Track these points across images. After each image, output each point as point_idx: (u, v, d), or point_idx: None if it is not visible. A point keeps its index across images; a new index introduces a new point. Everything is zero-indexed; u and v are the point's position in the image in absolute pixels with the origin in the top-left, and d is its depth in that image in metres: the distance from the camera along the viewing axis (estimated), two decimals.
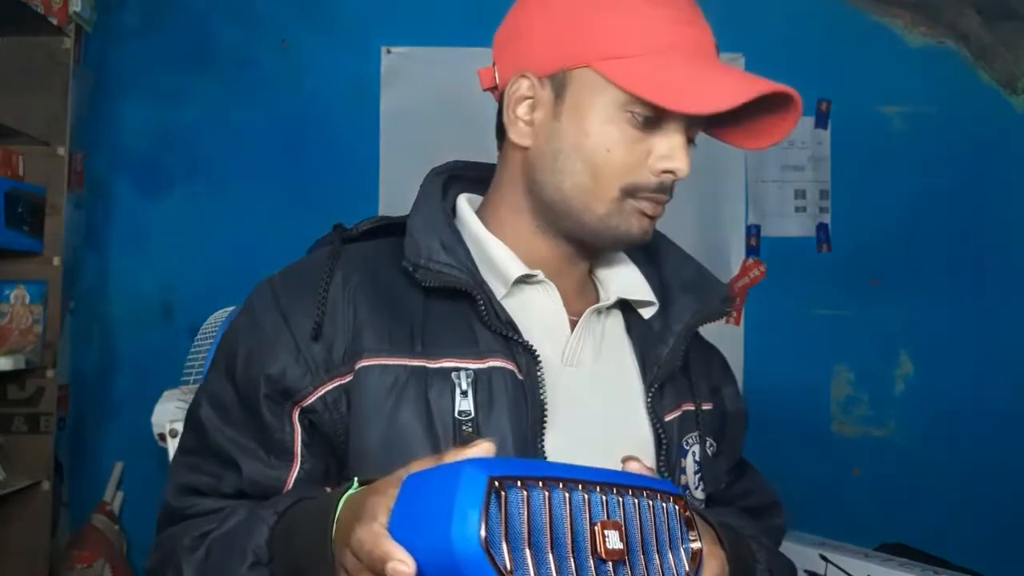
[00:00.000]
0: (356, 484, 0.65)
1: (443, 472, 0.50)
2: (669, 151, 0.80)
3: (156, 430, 1.43)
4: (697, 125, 0.83)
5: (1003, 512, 2.59)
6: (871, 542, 1.83)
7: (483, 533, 0.46)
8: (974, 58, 2.71)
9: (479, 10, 2.45)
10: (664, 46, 0.78)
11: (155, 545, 0.81)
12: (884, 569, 1.42)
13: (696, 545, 0.60)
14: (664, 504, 0.58)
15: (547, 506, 0.50)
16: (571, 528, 0.51)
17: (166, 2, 2.66)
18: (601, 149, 0.79)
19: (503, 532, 0.47)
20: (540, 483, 0.50)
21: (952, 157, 2.70)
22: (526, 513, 0.49)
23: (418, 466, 0.57)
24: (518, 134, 0.84)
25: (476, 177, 0.94)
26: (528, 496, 0.49)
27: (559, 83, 0.81)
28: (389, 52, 2.67)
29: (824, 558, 1.48)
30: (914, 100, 2.71)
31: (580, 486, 0.52)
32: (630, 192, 0.81)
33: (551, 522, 0.50)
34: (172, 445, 1.37)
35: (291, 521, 0.68)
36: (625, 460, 0.65)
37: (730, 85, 0.76)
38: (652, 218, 0.83)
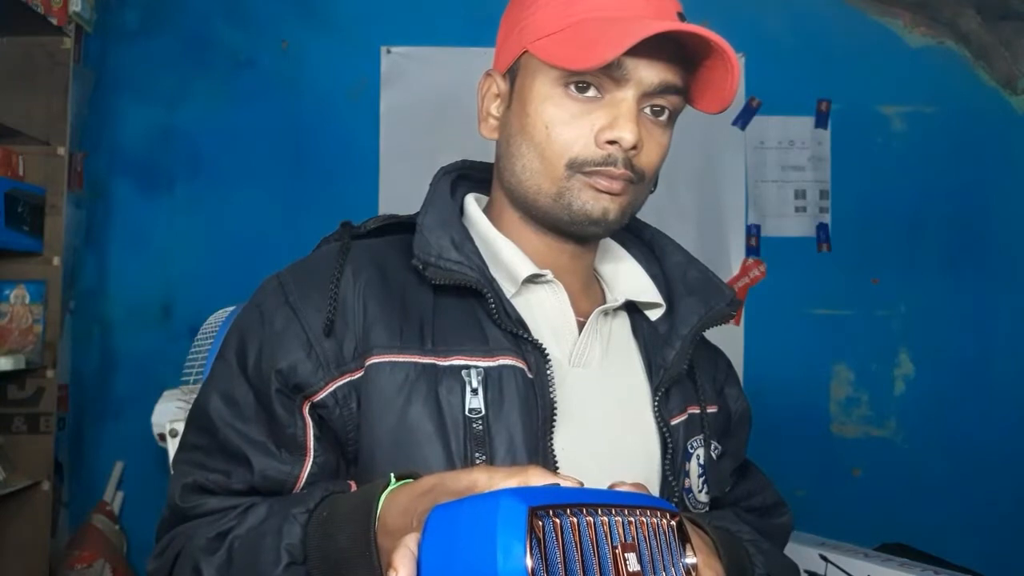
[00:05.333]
0: (394, 480, 0.65)
1: (478, 504, 0.50)
2: (611, 121, 0.77)
3: (156, 430, 1.43)
4: (652, 95, 0.79)
5: (1003, 512, 2.59)
6: (871, 542, 1.83)
7: (529, 564, 0.47)
8: (974, 58, 2.72)
9: (479, 10, 2.45)
10: (588, 17, 0.78)
11: (160, 548, 0.80)
12: (884, 569, 1.42)
13: (692, 560, 0.61)
14: (662, 521, 0.59)
15: (576, 533, 0.51)
16: (597, 554, 0.51)
17: (166, 2, 2.66)
18: (540, 127, 0.80)
19: (543, 563, 0.48)
20: (567, 511, 0.51)
21: (952, 157, 2.70)
22: (561, 542, 0.50)
23: (442, 495, 0.57)
24: (487, 129, 0.88)
25: (482, 178, 0.95)
26: (560, 524, 0.50)
27: (513, 74, 0.84)
28: (389, 52, 2.67)
29: (824, 558, 1.49)
30: (914, 100, 2.71)
31: (599, 510, 0.53)
32: (576, 167, 0.79)
33: (581, 549, 0.51)
34: (172, 445, 1.37)
35: (327, 519, 0.67)
36: (613, 485, 0.64)
37: (627, 35, 0.72)
38: (610, 195, 0.80)
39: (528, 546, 0.47)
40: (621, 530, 0.54)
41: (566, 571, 0.49)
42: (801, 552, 1.48)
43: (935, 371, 2.68)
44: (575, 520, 0.51)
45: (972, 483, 2.62)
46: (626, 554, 0.53)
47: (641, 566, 0.54)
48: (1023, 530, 2.57)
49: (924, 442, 2.67)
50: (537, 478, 0.56)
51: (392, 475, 0.65)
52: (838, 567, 1.47)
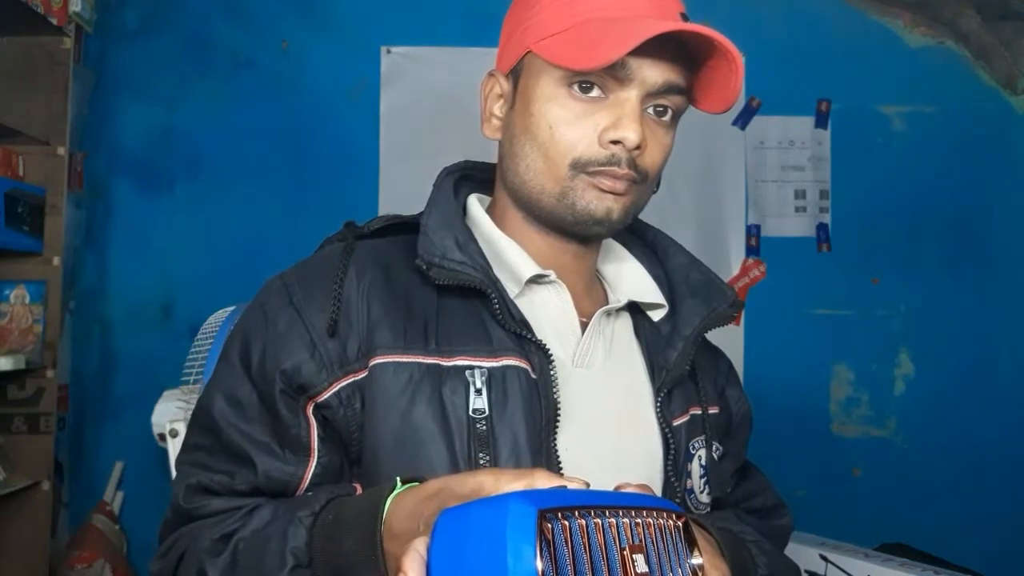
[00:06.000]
0: (400, 484, 0.65)
1: (487, 507, 0.50)
2: (615, 121, 0.77)
3: (156, 430, 1.43)
4: (656, 95, 0.79)
5: (1003, 512, 2.59)
6: (871, 542, 1.83)
7: (540, 566, 0.47)
8: (974, 58, 2.72)
9: (479, 10, 2.45)
10: (591, 17, 0.78)
11: (163, 549, 0.79)
12: (884, 569, 1.41)
13: (697, 561, 0.61)
14: (668, 522, 0.59)
15: (585, 535, 0.51)
16: (606, 556, 0.52)
17: (166, 2, 2.66)
18: (544, 127, 0.80)
19: (553, 565, 0.48)
20: (576, 513, 0.51)
21: (952, 157, 2.70)
22: (570, 545, 0.50)
23: (448, 498, 0.57)
24: (490, 129, 0.88)
25: (485, 178, 0.95)
26: (569, 527, 0.50)
27: (516, 75, 0.84)
28: (389, 52, 2.67)
29: (824, 558, 1.48)
30: (914, 100, 2.71)
31: (606, 512, 0.53)
32: (580, 167, 0.79)
33: (589, 551, 0.51)
34: (172, 445, 1.37)
35: (332, 522, 0.67)
36: (618, 486, 0.64)
37: (631, 35, 0.72)
38: (614, 195, 0.79)
39: (538, 548, 0.47)
40: (629, 532, 0.54)
41: (575, 573, 0.49)
42: (801, 552, 1.48)
43: (935, 371, 2.68)
44: (583, 522, 0.51)
45: (972, 483, 2.62)
46: (634, 555, 0.53)
47: (649, 567, 0.54)
48: (1023, 530, 2.57)
49: (924, 442, 2.67)
50: (543, 481, 0.56)
51: (398, 479, 0.65)
52: (838, 567, 1.47)
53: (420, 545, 0.52)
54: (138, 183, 2.65)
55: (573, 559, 0.49)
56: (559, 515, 0.50)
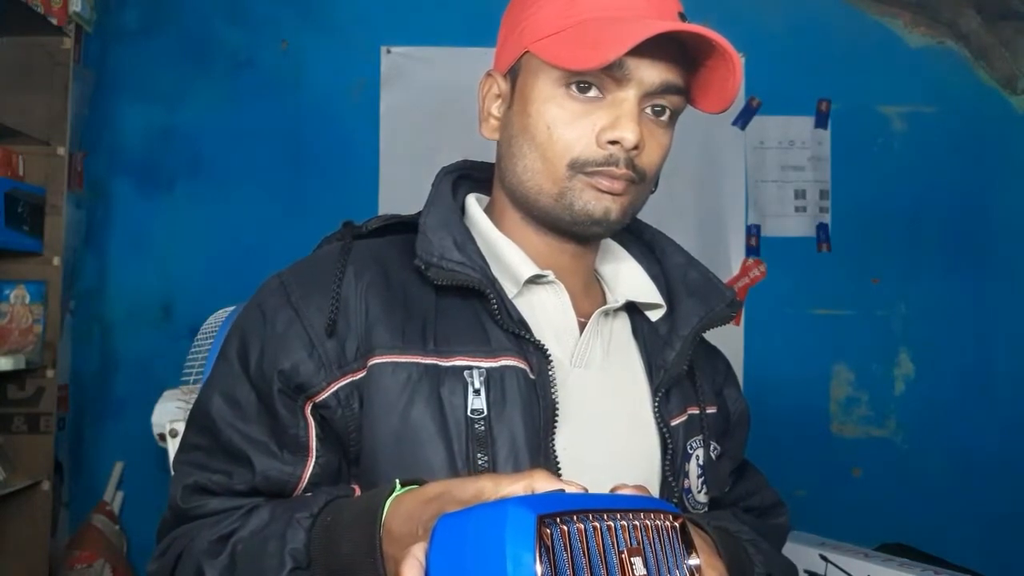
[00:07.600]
0: (399, 486, 0.65)
1: (486, 513, 0.50)
2: (612, 121, 0.77)
3: (156, 430, 1.43)
4: (654, 95, 0.79)
5: (1003, 512, 2.59)
6: (871, 542, 1.83)
7: (539, 572, 0.47)
8: (974, 58, 2.72)
9: (479, 10, 2.45)
10: (589, 17, 0.77)
11: (161, 549, 0.79)
12: (884, 569, 1.41)
13: (695, 562, 0.61)
14: (665, 523, 0.59)
15: (584, 540, 0.51)
16: (604, 560, 0.52)
17: (166, 2, 2.67)
18: (542, 127, 0.80)
19: (552, 571, 0.48)
20: (574, 517, 0.51)
21: (952, 157, 2.70)
22: (569, 550, 0.50)
23: (448, 502, 0.57)
24: (488, 129, 0.87)
25: (484, 177, 0.95)
26: (568, 531, 0.50)
27: (513, 75, 0.84)
28: (389, 52, 2.67)
29: (824, 558, 1.48)
30: (914, 100, 2.71)
31: (604, 516, 0.53)
32: (578, 167, 0.79)
33: (588, 556, 0.51)
34: (172, 445, 1.37)
35: (331, 524, 0.67)
36: (615, 488, 0.64)
37: (629, 35, 0.72)
38: (612, 195, 0.79)
39: (537, 554, 0.47)
40: (627, 535, 0.54)
41: None
42: (801, 552, 1.48)
43: (935, 371, 2.68)
44: (582, 527, 0.51)
45: (972, 483, 2.62)
46: (632, 559, 0.53)
47: (647, 570, 0.54)
48: (1022, 530, 2.57)
49: (924, 442, 2.67)
50: (542, 481, 0.56)
51: (396, 481, 0.65)
52: (838, 567, 1.47)
53: (419, 551, 0.52)
54: (138, 183, 2.65)
55: (572, 564, 0.49)
56: (558, 520, 0.50)
